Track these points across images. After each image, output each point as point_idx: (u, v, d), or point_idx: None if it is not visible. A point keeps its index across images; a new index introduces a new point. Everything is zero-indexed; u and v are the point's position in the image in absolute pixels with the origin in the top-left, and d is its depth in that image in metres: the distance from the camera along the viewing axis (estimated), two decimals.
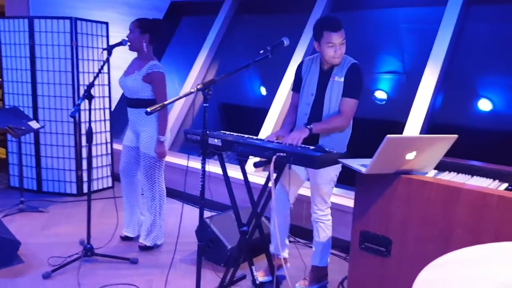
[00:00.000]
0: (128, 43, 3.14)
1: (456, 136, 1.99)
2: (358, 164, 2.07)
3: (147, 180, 3.24)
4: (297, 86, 2.80)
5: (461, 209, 1.84)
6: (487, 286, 0.97)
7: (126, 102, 3.27)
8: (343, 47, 2.54)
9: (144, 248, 3.32)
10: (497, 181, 2.21)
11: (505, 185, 2.16)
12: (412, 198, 1.98)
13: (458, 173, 2.33)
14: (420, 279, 0.95)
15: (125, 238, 3.50)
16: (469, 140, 3.35)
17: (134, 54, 3.29)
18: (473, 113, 3.52)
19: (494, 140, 3.36)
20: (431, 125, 3.53)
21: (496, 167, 2.32)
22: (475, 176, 2.27)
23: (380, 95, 4.01)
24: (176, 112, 5.10)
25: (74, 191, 4.60)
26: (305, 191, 3.13)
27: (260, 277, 2.86)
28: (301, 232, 3.60)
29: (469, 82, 3.59)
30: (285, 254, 2.96)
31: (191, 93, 2.23)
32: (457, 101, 3.61)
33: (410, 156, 1.96)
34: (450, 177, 2.23)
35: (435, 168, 2.27)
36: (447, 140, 1.99)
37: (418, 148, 1.95)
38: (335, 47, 2.51)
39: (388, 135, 1.83)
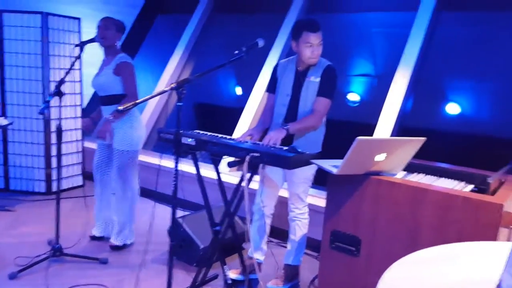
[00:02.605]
0: (102, 39, 3.10)
1: (424, 138, 2.05)
2: (330, 165, 2.10)
3: (120, 178, 3.20)
4: (272, 87, 2.83)
5: (427, 209, 1.90)
6: (449, 284, 1.00)
7: (100, 101, 3.23)
8: (320, 48, 2.60)
9: (115, 248, 3.28)
10: (463, 182, 2.29)
11: (471, 186, 2.24)
12: (381, 199, 2.02)
13: (426, 174, 2.40)
14: (384, 278, 0.98)
15: (95, 238, 3.44)
16: (438, 142, 3.45)
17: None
18: (441, 116, 3.62)
19: (461, 143, 3.46)
20: (401, 128, 3.62)
21: (463, 169, 2.40)
22: (442, 178, 2.34)
23: (353, 97, 4.08)
24: (150, 111, 5.04)
25: (43, 190, 4.49)
26: (280, 191, 3.15)
27: (233, 274, 2.87)
28: (275, 231, 3.62)
29: (439, 86, 3.69)
30: (258, 256, 2.97)
31: (164, 91, 2.22)
32: (426, 104, 3.70)
33: (379, 157, 2.00)
34: (418, 179, 2.30)
35: (404, 170, 2.32)
36: (416, 142, 2.04)
37: (388, 150, 2.00)
38: (312, 48, 2.56)
39: (358, 137, 1.86)
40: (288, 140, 2.58)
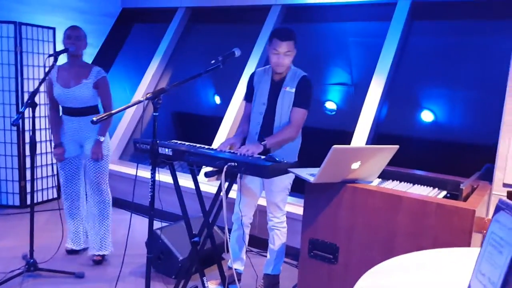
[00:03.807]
0: (76, 49, 3.06)
1: (397, 146, 2.09)
2: (307, 174, 2.12)
3: (96, 187, 3.16)
4: (249, 96, 2.85)
5: (402, 216, 1.93)
6: None
7: (68, 112, 3.14)
8: (287, 58, 2.61)
9: (99, 262, 3.23)
10: (436, 189, 2.34)
11: (444, 193, 2.29)
12: (357, 206, 2.05)
13: (400, 181, 2.44)
14: (358, 286, 0.99)
15: (71, 252, 3.37)
16: (412, 149, 3.52)
17: None
18: (415, 123, 3.70)
19: (435, 150, 3.53)
20: (376, 135, 3.67)
21: (436, 175, 2.45)
22: (416, 185, 2.39)
23: (330, 105, 4.12)
24: (126, 121, 4.99)
25: (17, 203, 4.38)
26: (258, 200, 3.16)
27: (213, 285, 2.85)
28: (254, 241, 3.62)
29: (413, 94, 3.77)
30: (238, 266, 2.96)
31: (140, 101, 2.20)
32: (401, 112, 3.77)
33: (355, 165, 2.03)
34: (393, 186, 2.33)
35: (379, 177, 2.36)
36: (389, 150, 2.08)
37: (363, 158, 2.03)
38: (278, 55, 2.58)
39: (334, 146, 1.89)
40: (264, 150, 2.58)
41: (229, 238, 2.90)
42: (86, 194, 3.32)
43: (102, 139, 3.11)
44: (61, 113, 3.21)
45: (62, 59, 3.16)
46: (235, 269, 2.91)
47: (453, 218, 1.82)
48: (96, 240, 3.24)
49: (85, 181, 3.31)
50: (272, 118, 2.70)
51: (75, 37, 3.06)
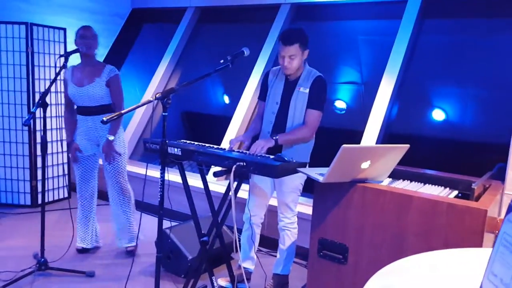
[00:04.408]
0: (89, 49, 3.10)
1: (407, 146, 2.07)
2: (316, 173, 2.10)
3: (117, 185, 3.26)
4: (263, 94, 2.84)
5: (413, 216, 1.91)
6: None
7: (82, 111, 3.19)
8: (293, 62, 2.57)
9: (133, 252, 3.36)
10: (447, 188, 2.31)
11: (455, 192, 2.26)
12: (367, 206, 2.03)
13: (411, 181, 2.41)
14: (368, 286, 0.98)
15: (82, 250, 3.39)
16: (423, 149, 3.48)
17: None
18: (426, 122, 3.66)
19: (446, 149, 3.49)
20: (387, 134, 3.64)
21: (447, 175, 2.42)
22: (427, 184, 2.36)
23: (340, 104, 4.10)
24: (136, 121, 5.01)
25: (28, 202, 4.43)
26: (269, 200, 3.15)
27: (223, 281, 2.85)
28: (264, 240, 3.61)
29: (423, 92, 3.73)
30: (248, 265, 2.95)
31: (150, 101, 2.21)
32: (411, 111, 3.74)
33: (365, 165, 2.01)
34: (404, 185, 2.31)
35: (389, 177, 2.34)
36: (400, 149, 2.06)
37: (373, 158, 2.01)
38: (284, 59, 2.57)
39: (344, 145, 1.87)
40: (277, 150, 2.58)
41: (239, 237, 2.90)
42: (108, 193, 3.36)
43: (111, 138, 3.13)
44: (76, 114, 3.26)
45: (76, 59, 3.19)
46: (245, 268, 2.91)
47: (464, 218, 1.79)
48: (125, 234, 3.36)
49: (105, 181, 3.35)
50: (284, 118, 2.69)
51: (89, 36, 3.10)
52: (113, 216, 3.38)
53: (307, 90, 2.64)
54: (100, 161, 3.31)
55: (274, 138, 2.54)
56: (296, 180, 2.70)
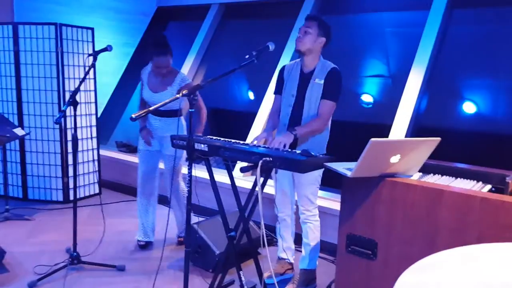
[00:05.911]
0: (166, 68, 3.27)
1: (439, 139, 2.01)
2: (344, 168, 2.08)
3: (175, 184, 3.44)
4: (279, 88, 2.85)
5: (445, 211, 1.86)
6: None
7: (154, 112, 3.31)
8: (306, 36, 2.65)
9: (182, 242, 3.56)
10: (480, 183, 2.24)
11: (488, 186, 2.19)
12: (396, 201, 1.99)
13: (442, 175, 2.35)
14: (400, 282, 0.96)
15: (145, 245, 3.50)
16: (454, 142, 3.39)
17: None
18: (457, 115, 3.57)
19: (478, 142, 3.40)
20: (416, 128, 3.57)
21: (480, 169, 2.35)
22: (459, 178, 2.30)
23: (367, 98, 4.04)
24: None
25: (61, 198, 4.55)
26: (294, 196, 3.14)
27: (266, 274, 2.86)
28: None
29: (453, 84, 3.64)
30: (289, 256, 2.99)
31: (176, 98, 2.23)
32: (441, 103, 3.65)
33: (394, 159, 1.97)
34: (434, 180, 2.26)
35: (419, 171, 2.28)
36: (431, 143, 2.01)
37: (402, 152, 1.97)
38: (299, 32, 2.68)
39: (372, 139, 1.84)
40: (292, 143, 2.57)
41: (267, 233, 2.91)
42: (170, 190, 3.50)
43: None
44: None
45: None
46: (284, 258, 2.99)
47: (498, 212, 1.74)
48: (182, 226, 3.55)
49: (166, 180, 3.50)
50: (300, 110, 2.71)
51: (162, 66, 3.23)
52: (173, 208, 3.55)
53: (322, 81, 2.66)
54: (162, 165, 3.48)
55: (293, 133, 2.53)
56: (315, 172, 2.68)
